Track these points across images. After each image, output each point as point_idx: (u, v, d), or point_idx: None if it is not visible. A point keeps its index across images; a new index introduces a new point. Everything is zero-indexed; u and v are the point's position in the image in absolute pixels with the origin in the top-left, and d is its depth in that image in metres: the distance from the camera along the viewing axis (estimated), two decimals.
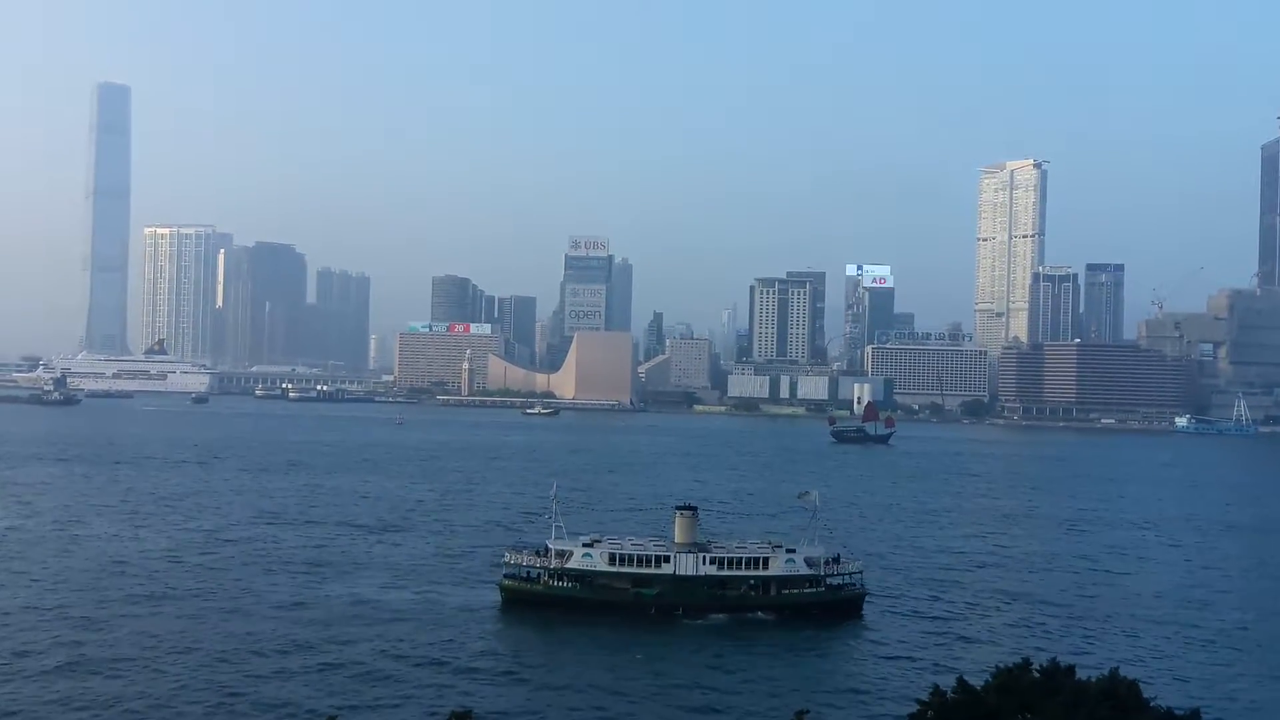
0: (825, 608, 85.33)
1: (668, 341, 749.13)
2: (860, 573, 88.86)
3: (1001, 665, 35.45)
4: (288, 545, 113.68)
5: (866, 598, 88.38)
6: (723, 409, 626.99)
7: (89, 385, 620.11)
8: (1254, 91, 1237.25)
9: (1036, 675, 34.54)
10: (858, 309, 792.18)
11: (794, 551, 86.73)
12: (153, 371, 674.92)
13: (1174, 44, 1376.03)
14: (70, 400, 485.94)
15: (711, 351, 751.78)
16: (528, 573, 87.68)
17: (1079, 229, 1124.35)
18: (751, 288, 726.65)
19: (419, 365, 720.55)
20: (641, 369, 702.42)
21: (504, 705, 63.70)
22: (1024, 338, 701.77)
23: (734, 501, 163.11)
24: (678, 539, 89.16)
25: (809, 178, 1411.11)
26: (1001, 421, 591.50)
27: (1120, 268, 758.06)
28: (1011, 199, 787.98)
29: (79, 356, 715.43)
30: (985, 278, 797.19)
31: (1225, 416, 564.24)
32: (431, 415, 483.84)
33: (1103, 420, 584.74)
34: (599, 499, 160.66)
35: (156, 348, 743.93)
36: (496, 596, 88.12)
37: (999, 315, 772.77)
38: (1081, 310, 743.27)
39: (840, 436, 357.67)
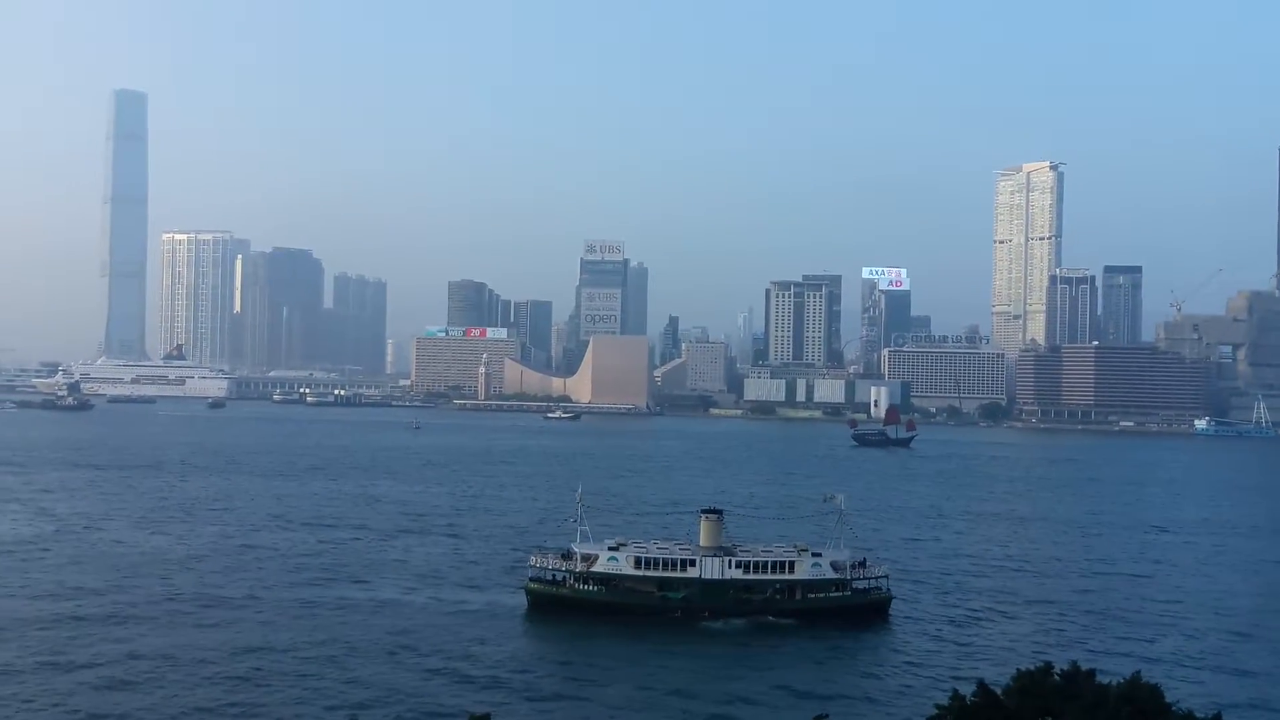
0: (851, 612, 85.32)
1: (683, 345, 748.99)
2: (886, 576, 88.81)
3: (1022, 669, 35.40)
4: (306, 549, 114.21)
5: (892, 601, 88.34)
6: (739, 413, 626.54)
7: (108, 391, 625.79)
8: (1273, 92, 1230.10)
9: (1057, 679, 34.37)
10: (874, 312, 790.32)
11: (820, 555, 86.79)
12: (171, 377, 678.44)
13: (1192, 45, 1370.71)
14: (84, 405, 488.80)
15: (727, 355, 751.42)
16: (553, 576, 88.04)
17: (1096, 231, 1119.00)
18: (767, 291, 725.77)
19: (435, 370, 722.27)
20: (657, 373, 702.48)
21: (527, 710, 63.88)
22: (1041, 340, 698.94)
23: (757, 505, 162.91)
24: (703, 542, 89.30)
25: (825, 181, 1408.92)
26: (1019, 425, 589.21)
27: (1138, 270, 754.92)
28: (1028, 201, 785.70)
29: (98, 362, 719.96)
30: (1002, 280, 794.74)
31: (1245, 419, 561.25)
32: (449, 419, 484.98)
33: (1121, 423, 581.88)
34: (621, 503, 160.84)
35: (175, 353, 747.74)
36: (522, 600, 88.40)
37: (1016, 318, 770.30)
38: (1099, 312, 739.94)
39: (861, 440, 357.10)
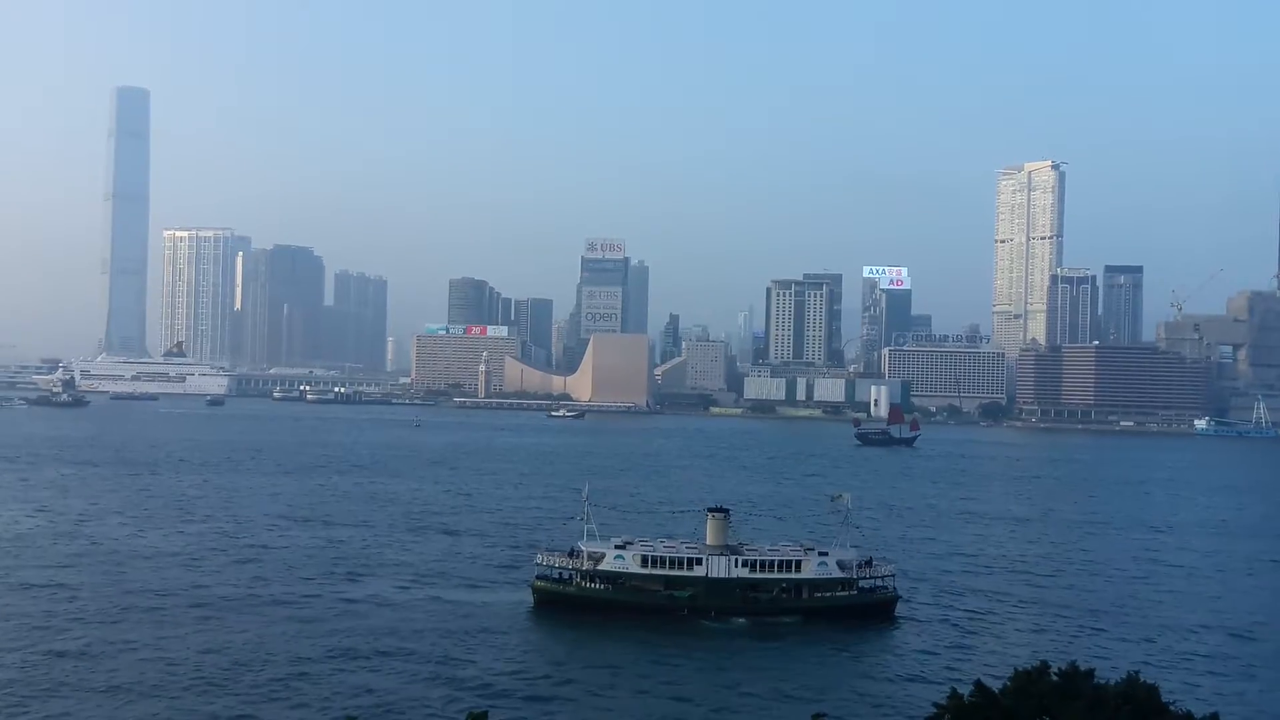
0: (857, 611, 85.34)
1: (684, 344, 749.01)
2: (892, 576, 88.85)
3: (1019, 668, 35.38)
4: (305, 547, 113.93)
5: (898, 601, 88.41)
6: (739, 411, 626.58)
7: (108, 388, 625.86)
8: (1274, 92, 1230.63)
9: (1055, 678, 34.32)
10: (874, 311, 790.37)
11: (826, 554, 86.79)
12: (171, 374, 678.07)
13: (1193, 45, 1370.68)
14: (79, 402, 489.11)
15: (728, 354, 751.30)
16: (559, 574, 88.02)
17: (1097, 231, 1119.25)
18: (768, 290, 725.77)
19: (436, 367, 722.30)
20: (658, 371, 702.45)
21: (532, 708, 63.88)
22: (1042, 340, 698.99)
23: (762, 504, 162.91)
24: (709, 541, 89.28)
25: (826, 180, 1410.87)
26: (1019, 424, 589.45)
27: (1139, 269, 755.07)
28: (1029, 200, 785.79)
29: (98, 359, 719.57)
30: (1003, 280, 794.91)
31: (1245, 419, 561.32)
32: (449, 417, 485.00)
33: (1121, 423, 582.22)
34: (626, 501, 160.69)
35: (175, 350, 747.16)
36: (527, 598, 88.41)
37: (1017, 317, 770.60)
38: (1100, 312, 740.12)
39: (865, 439, 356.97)
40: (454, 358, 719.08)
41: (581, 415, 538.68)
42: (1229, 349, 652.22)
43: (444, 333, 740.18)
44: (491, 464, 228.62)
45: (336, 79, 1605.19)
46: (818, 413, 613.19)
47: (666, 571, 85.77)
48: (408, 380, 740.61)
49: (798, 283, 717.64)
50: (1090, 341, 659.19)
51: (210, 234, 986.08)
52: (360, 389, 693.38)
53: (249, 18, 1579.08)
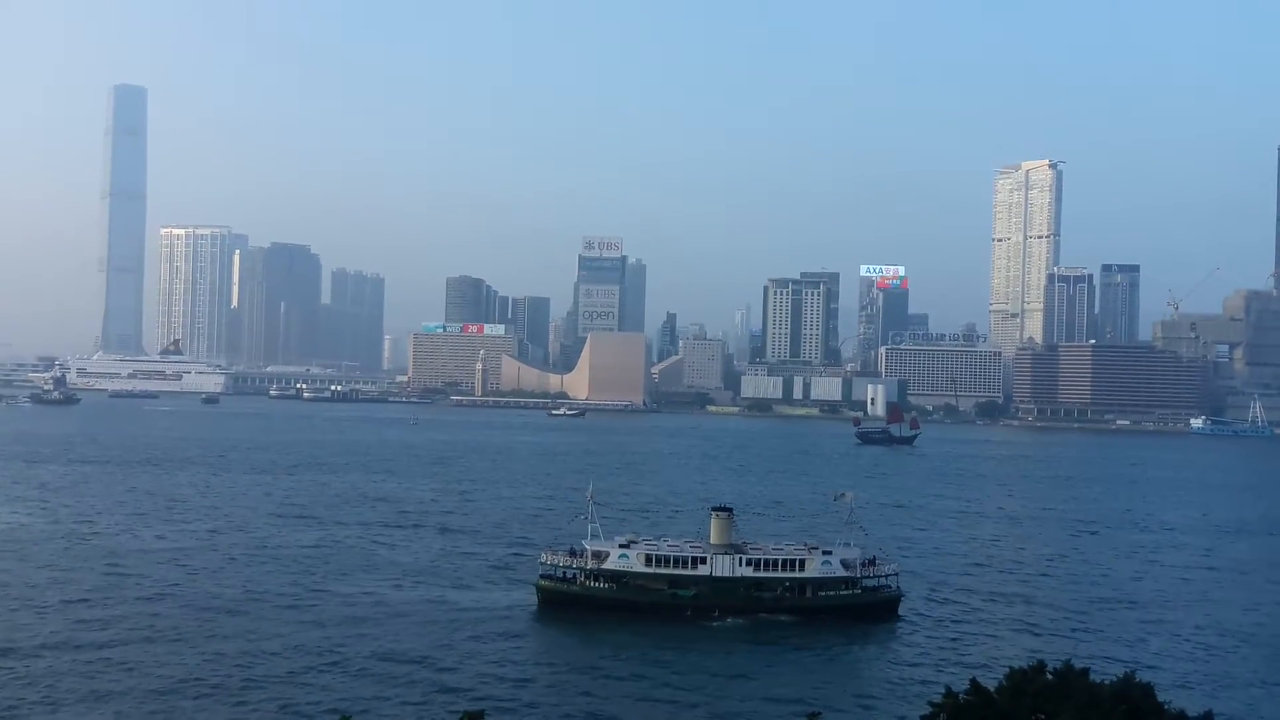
0: (861, 610, 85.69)
1: (681, 342, 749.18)
2: (896, 574, 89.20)
3: (1014, 667, 35.69)
4: (301, 545, 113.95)
5: (902, 599, 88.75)
6: (736, 410, 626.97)
7: (105, 385, 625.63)
8: (1271, 92, 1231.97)
9: (1050, 677, 34.66)
10: (871, 310, 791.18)
11: (830, 553, 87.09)
12: (168, 372, 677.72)
13: (1190, 45, 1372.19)
14: (70, 400, 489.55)
15: (725, 352, 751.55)
16: (564, 573, 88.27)
17: (1094, 230, 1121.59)
18: (765, 288, 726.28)
19: (433, 366, 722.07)
20: (655, 370, 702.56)
21: (534, 709, 64.10)
22: (1039, 339, 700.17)
23: (765, 503, 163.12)
24: (713, 540, 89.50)
25: (824, 179, 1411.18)
26: (1016, 423, 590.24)
27: (1135, 268, 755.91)
28: (1027, 199, 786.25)
29: (95, 357, 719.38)
30: (1000, 278, 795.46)
31: (1241, 418, 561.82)
32: (447, 416, 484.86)
33: (1118, 422, 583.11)
34: (628, 499, 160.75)
35: (172, 348, 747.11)
36: (532, 597, 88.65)
37: (1014, 316, 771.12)
38: (1097, 311, 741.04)
39: (865, 438, 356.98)
40: (451, 356, 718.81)
41: (582, 414, 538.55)
42: (1225, 348, 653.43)
43: (441, 331, 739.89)
44: (492, 463, 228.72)
45: (335, 77, 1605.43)
46: (815, 411, 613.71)
47: (671, 570, 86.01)
48: (404, 378, 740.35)
49: (795, 281, 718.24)
50: (1087, 340, 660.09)
51: (207, 232, 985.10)
52: (357, 387, 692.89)
53: (248, 16, 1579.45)
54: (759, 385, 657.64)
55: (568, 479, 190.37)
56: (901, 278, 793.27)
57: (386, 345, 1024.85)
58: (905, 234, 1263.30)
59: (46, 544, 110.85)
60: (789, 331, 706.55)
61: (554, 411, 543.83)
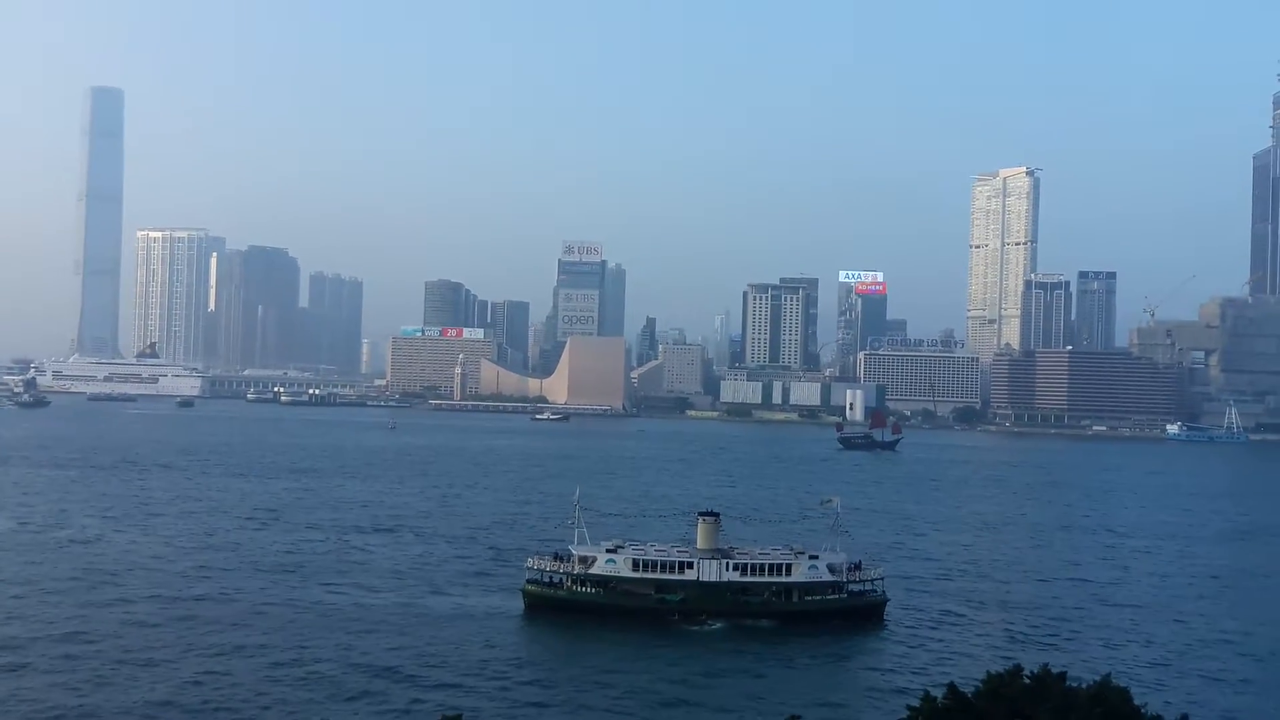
0: (847, 614, 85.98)
1: (660, 347, 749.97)
2: (882, 579, 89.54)
3: (992, 671, 35.87)
4: (282, 549, 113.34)
5: (887, 604, 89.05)
6: (715, 414, 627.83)
7: (81, 388, 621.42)
8: (1245, 100, 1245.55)
9: (1027, 681, 34.84)
10: (850, 315, 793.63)
11: (816, 558, 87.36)
12: (144, 375, 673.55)
13: (1168, 51, 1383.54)
14: (40, 403, 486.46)
15: (704, 357, 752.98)
16: (550, 578, 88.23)
17: (1071, 237, 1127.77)
18: (744, 293, 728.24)
19: (411, 370, 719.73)
20: (634, 374, 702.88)
21: (519, 712, 64.17)
22: (1016, 345, 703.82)
23: (748, 507, 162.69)
24: (700, 545, 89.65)
25: (803, 185, 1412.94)
26: (993, 428, 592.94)
27: (1112, 275, 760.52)
28: (1004, 206, 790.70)
29: (71, 360, 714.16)
30: (978, 285, 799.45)
31: (1216, 424, 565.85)
32: (426, 420, 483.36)
33: (1094, 427, 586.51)
34: (612, 504, 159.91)
35: (148, 351, 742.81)
36: (518, 601, 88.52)
37: (991, 322, 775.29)
38: (1073, 318, 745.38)
39: (847, 443, 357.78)
40: (430, 360, 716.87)
41: (566, 418, 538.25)
42: (1201, 354, 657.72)
43: (420, 335, 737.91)
44: (474, 467, 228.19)
45: (314, 79, 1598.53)
46: (794, 416, 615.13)
47: (658, 575, 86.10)
48: (383, 382, 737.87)
49: (774, 286, 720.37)
50: (1064, 346, 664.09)
51: (184, 234, 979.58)
52: (335, 391, 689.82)
53: (224, 17, 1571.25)
54: (738, 390, 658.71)
55: (551, 483, 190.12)
56: (880, 283, 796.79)
57: (365, 349, 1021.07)
58: (884, 240, 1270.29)
59: (18, 546, 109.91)
60: (768, 336, 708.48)
61: (537, 416, 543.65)
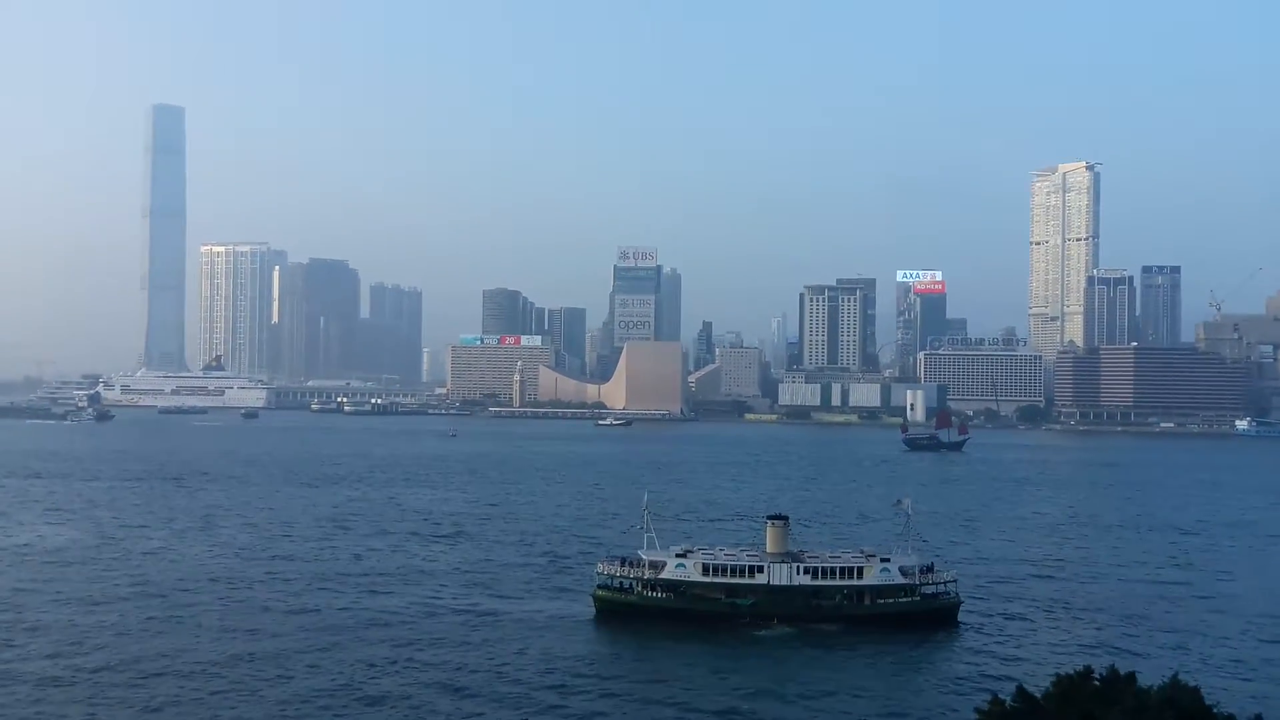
0: (920, 617, 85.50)
1: (717, 350, 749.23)
2: (954, 581, 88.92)
3: (1061, 673, 35.70)
4: (348, 556, 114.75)
5: (961, 607, 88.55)
6: (774, 418, 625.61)
7: (149, 402, 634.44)
8: None
9: (1097, 684, 34.64)
10: (909, 315, 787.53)
11: (888, 561, 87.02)
12: (210, 387, 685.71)
13: (1231, 40, 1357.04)
14: (104, 417, 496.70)
15: (762, 360, 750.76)
16: (620, 583, 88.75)
17: (1134, 231, 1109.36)
18: (801, 295, 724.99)
19: (471, 377, 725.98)
20: (692, 378, 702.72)
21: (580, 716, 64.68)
22: (1079, 342, 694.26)
23: (817, 511, 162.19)
24: (769, 549, 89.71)
25: (860, 184, 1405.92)
26: (1058, 427, 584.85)
27: (1177, 269, 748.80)
28: (1064, 202, 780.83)
29: (138, 374, 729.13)
30: (1039, 281, 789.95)
31: None
32: (487, 427, 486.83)
33: (1161, 424, 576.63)
34: (678, 508, 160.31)
35: (214, 364, 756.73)
36: (588, 607, 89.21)
37: (1053, 319, 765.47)
38: (1138, 313, 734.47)
39: (913, 444, 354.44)
40: (489, 368, 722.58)
41: (629, 423, 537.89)
42: (1269, 348, 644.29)
43: (478, 343, 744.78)
44: (538, 473, 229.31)
45: (368, 94, 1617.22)
46: (854, 418, 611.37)
47: (728, 579, 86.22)
48: (443, 390, 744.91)
49: (831, 288, 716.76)
50: (1128, 343, 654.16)
51: (247, 249, 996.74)
52: (396, 400, 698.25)
53: (281, 34, 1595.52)
54: (797, 392, 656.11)
55: (616, 488, 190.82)
56: (939, 282, 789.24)
57: (425, 358, 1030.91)
58: (942, 238, 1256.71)
59: (88, 558, 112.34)
60: (826, 338, 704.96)
61: (600, 421, 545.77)
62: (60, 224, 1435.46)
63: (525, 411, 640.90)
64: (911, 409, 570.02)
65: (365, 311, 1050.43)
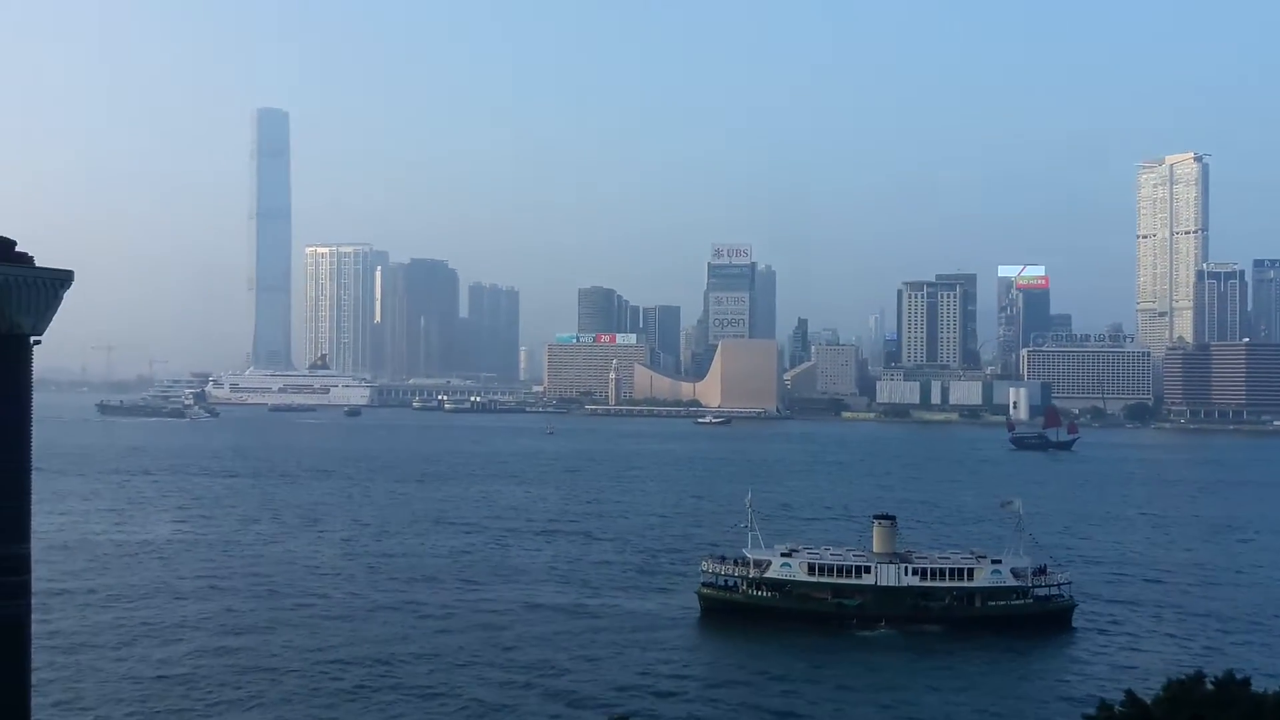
0: (1032, 620, 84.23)
1: (813, 348, 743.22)
2: (1069, 583, 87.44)
3: (1172, 678, 34.91)
4: (445, 554, 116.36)
5: (1075, 609, 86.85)
6: (871, 415, 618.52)
7: (257, 400, 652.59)
8: None
9: (1209, 688, 33.83)
10: (1011, 311, 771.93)
11: (999, 562, 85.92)
12: (316, 386, 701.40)
13: None
14: (210, 414, 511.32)
15: (858, 357, 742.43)
16: (725, 581, 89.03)
17: (1245, 223, 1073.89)
18: (899, 291, 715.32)
19: (567, 375, 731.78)
20: (787, 376, 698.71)
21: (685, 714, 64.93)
22: (1189, 338, 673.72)
23: (922, 510, 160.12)
24: (876, 549, 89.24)
25: (960, 176, 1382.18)
26: (1168, 425, 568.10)
27: None
28: (1172, 194, 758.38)
29: (247, 373, 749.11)
30: (1146, 276, 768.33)
31: None
32: (584, 424, 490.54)
33: (1275, 422, 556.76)
34: (779, 506, 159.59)
35: (319, 363, 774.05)
36: (694, 604, 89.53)
37: (1162, 315, 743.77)
38: (1249, 308, 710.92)
39: (1020, 443, 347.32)
40: (584, 366, 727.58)
41: (728, 421, 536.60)
42: None
43: (574, 341, 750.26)
44: (640, 471, 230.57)
45: (466, 96, 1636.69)
46: (954, 416, 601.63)
47: (835, 579, 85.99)
48: (540, 388, 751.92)
49: (930, 284, 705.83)
50: (1240, 339, 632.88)
51: (350, 250, 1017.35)
52: (495, 398, 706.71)
53: (381, 37, 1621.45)
54: (895, 390, 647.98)
55: (715, 486, 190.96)
56: (1042, 278, 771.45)
57: (522, 356, 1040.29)
58: (1045, 232, 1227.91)
59: (198, 552, 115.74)
60: (925, 335, 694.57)
61: (699, 420, 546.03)
62: (170, 227, 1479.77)
63: (621, 409, 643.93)
64: (1015, 407, 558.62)
65: (464, 311, 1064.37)
